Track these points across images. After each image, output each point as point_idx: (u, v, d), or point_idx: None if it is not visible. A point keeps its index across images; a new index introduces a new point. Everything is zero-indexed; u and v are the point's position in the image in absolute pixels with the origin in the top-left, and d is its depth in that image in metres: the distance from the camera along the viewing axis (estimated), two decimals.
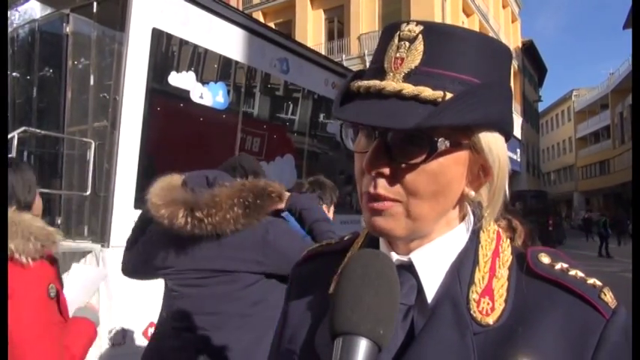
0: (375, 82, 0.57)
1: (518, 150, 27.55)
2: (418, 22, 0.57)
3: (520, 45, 30.28)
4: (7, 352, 1.36)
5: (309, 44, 14.12)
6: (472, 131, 0.57)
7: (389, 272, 0.53)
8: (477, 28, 21.36)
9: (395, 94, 0.55)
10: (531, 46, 31.88)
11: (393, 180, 0.56)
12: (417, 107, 0.54)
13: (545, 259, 0.61)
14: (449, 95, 0.54)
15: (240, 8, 17.45)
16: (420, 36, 0.56)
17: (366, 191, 0.58)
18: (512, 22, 29.25)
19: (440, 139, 0.55)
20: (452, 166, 0.57)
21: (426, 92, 0.54)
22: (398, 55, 0.56)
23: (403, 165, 0.56)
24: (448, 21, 17.75)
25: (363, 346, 0.48)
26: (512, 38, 28.28)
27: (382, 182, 0.56)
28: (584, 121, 41.50)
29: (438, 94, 0.54)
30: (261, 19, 18.59)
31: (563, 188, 45.47)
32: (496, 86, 0.58)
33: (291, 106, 6.77)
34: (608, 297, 0.57)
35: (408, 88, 0.54)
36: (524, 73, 30.65)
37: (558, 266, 0.60)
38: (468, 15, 20.81)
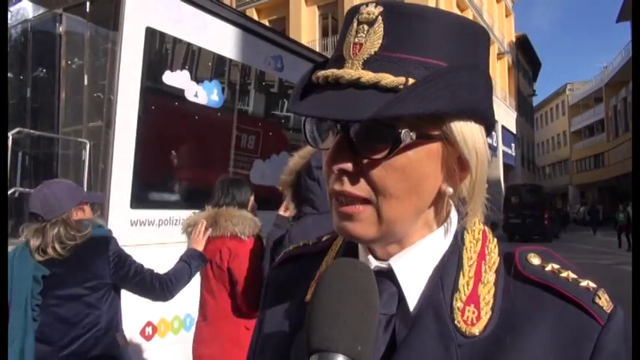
0: (332, 71, 0.52)
1: (513, 144, 27.64)
2: (378, 3, 0.52)
3: (514, 39, 30.34)
4: (7, 352, 1.45)
5: (304, 41, 14.11)
6: (442, 121, 0.51)
7: (367, 285, 0.49)
8: None
9: (353, 83, 0.50)
10: (525, 40, 31.94)
11: (358, 177, 0.52)
12: (376, 96, 0.49)
13: (534, 259, 0.56)
14: (412, 81, 0.49)
15: (234, 6, 17.40)
16: (380, 17, 0.51)
17: (331, 188, 0.53)
18: (506, 16, 29.29)
19: (404, 131, 0.49)
20: (423, 160, 0.52)
21: (387, 79, 0.49)
22: (356, 40, 0.51)
23: (366, 160, 0.51)
24: None
25: None
26: (506, 33, 28.32)
27: (346, 179, 0.52)
28: (579, 114, 41.69)
29: (400, 80, 0.49)
30: (255, 17, 18.53)
31: (558, 182, 45.69)
32: (467, 70, 0.52)
33: (286, 103, 6.76)
34: (603, 300, 0.53)
35: (367, 76, 0.49)
36: (518, 67, 30.72)
37: (549, 267, 0.56)
38: (461, 10, 20.83)
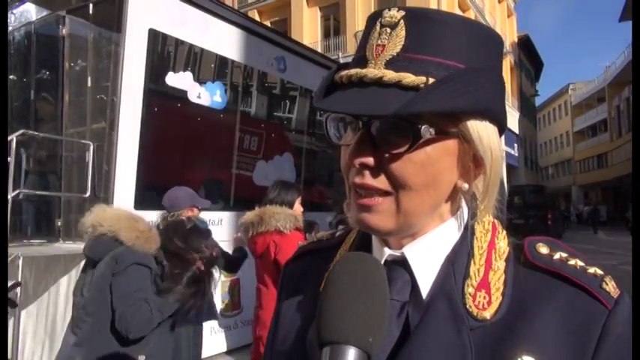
0: (356, 71, 0.55)
1: (516, 145, 27.58)
2: (400, 8, 0.55)
3: (516, 40, 30.29)
4: (7, 352, 1.49)
5: (305, 42, 14.12)
6: (459, 119, 0.54)
7: (377, 278, 0.51)
8: None
9: (376, 82, 0.53)
10: (527, 40, 31.87)
11: (378, 171, 0.54)
12: (398, 94, 0.52)
13: (543, 249, 0.58)
14: (432, 81, 0.51)
15: (236, 7, 17.44)
16: (402, 21, 0.54)
17: (352, 182, 0.56)
18: (508, 16, 29.24)
19: (424, 127, 0.52)
20: (440, 156, 0.54)
21: (408, 78, 0.52)
22: (379, 42, 0.54)
23: (387, 155, 0.53)
24: None
25: (351, 355, 0.46)
26: (508, 33, 28.28)
27: (367, 173, 0.54)
28: (581, 114, 41.55)
29: (421, 79, 0.51)
30: (257, 18, 18.56)
31: (561, 182, 45.54)
32: (484, 72, 0.55)
33: (289, 104, 6.78)
34: (610, 286, 0.54)
35: (389, 75, 0.52)
36: (520, 67, 30.66)
37: (557, 256, 0.57)
38: (463, 10, 20.82)
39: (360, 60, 0.56)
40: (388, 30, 0.54)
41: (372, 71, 0.53)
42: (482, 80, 0.54)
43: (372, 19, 0.57)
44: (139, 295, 2.09)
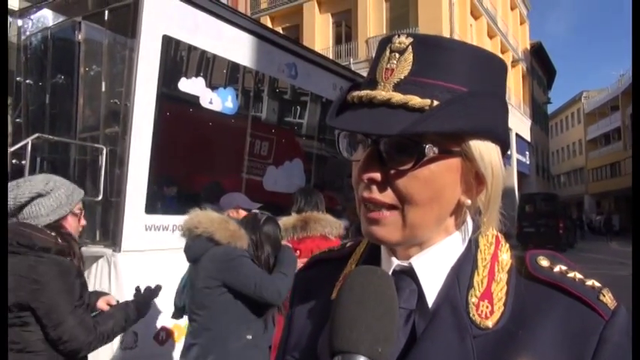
0: (366, 92, 0.59)
1: (528, 152, 27.35)
2: (409, 35, 0.59)
3: (529, 47, 30.13)
4: (7, 351, 1.59)
5: (317, 48, 14.16)
6: (462, 139, 0.57)
7: (386, 290, 0.54)
8: (484, 31, 21.28)
9: (384, 103, 0.57)
10: (540, 48, 31.68)
11: (385, 186, 0.58)
12: (405, 115, 0.55)
13: (544, 262, 0.61)
14: (436, 103, 0.55)
15: (248, 14, 17.56)
16: (410, 47, 0.57)
17: (361, 196, 0.59)
18: (521, 24, 29.10)
19: (428, 146, 0.55)
20: (444, 173, 0.58)
21: (414, 100, 0.55)
22: (388, 65, 0.58)
23: (393, 171, 0.57)
24: (456, 23, 17.71)
25: None
26: (520, 40, 28.14)
27: (375, 188, 0.58)
28: (595, 123, 41.11)
29: (426, 102, 0.55)
30: (269, 24, 18.67)
31: (573, 191, 45.04)
32: (486, 96, 0.58)
33: (300, 110, 6.80)
34: (607, 298, 0.57)
35: (397, 97, 0.56)
36: (532, 75, 30.47)
37: (557, 269, 0.60)
38: (475, 18, 20.75)
39: (371, 82, 0.60)
40: (397, 55, 0.58)
41: (381, 93, 0.57)
42: (484, 103, 0.58)
43: (383, 45, 0.61)
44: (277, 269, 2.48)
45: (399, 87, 0.57)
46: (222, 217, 2.60)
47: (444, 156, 0.57)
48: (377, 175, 0.57)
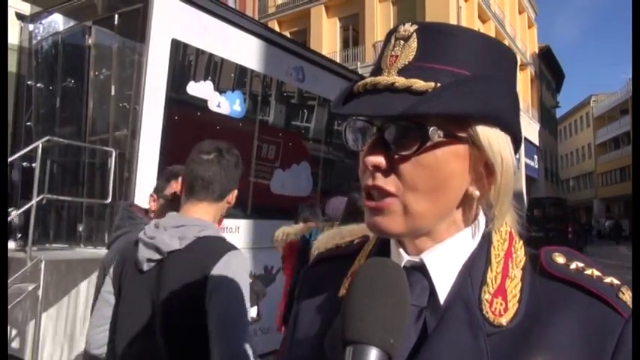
0: (370, 79, 0.58)
1: (536, 156, 27.20)
2: (414, 23, 0.58)
3: (537, 51, 30.00)
4: (7, 351, 1.56)
5: (324, 53, 14.21)
6: (469, 124, 0.56)
7: (398, 281, 0.53)
8: (492, 34, 21.23)
9: (388, 88, 0.56)
10: (548, 51, 31.54)
11: (390, 173, 0.56)
12: (408, 98, 0.54)
13: (559, 258, 0.59)
14: (440, 86, 0.54)
15: (256, 18, 17.64)
16: (415, 34, 0.57)
17: (365, 184, 0.58)
18: (529, 27, 29.01)
19: (432, 128, 0.54)
20: (450, 159, 0.56)
21: (418, 84, 0.54)
22: (393, 52, 0.58)
23: (397, 157, 0.56)
24: None
25: (373, 355, 0.48)
26: (528, 44, 28.05)
27: (379, 175, 0.57)
28: (604, 126, 40.82)
29: (429, 85, 0.54)
30: (277, 28, 18.76)
31: (582, 195, 44.69)
32: (492, 80, 0.57)
33: (307, 113, 6.81)
34: (627, 296, 0.55)
35: (400, 81, 0.55)
36: (541, 78, 30.33)
37: (573, 266, 0.58)
38: (483, 21, 20.72)
39: (376, 71, 0.59)
40: (402, 42, 0.58)
41: (385, 78, 0.57)
42: (490, 88, 0.56)
43: (389, 35, 0.61)
44: None
45: (403, 72, 0.56)
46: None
47: (450, 141, 0.56)
48: (381, 162, 0.56)
